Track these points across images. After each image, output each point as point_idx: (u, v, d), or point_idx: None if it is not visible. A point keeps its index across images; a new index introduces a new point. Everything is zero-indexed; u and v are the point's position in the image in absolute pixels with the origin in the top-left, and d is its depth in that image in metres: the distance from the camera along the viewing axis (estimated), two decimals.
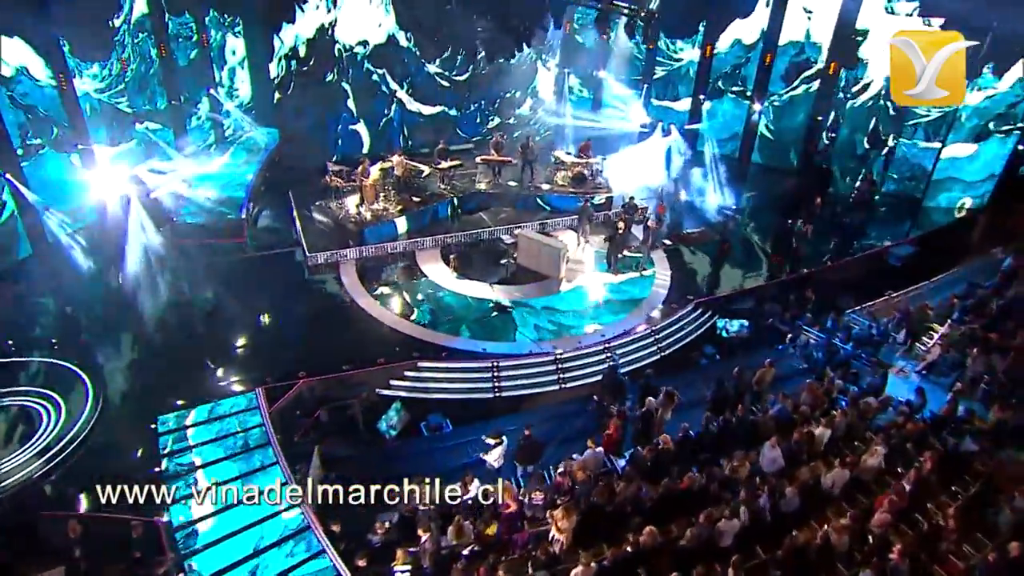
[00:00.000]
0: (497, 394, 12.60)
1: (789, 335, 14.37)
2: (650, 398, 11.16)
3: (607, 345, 13.45)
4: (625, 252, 16.31)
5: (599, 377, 12.56)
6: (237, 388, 11.58)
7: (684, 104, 23.57)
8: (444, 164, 17.87)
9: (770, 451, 9.87)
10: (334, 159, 18.67)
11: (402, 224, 16.82)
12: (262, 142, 20.37)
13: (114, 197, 16.13)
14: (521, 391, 12.73)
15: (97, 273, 15.07)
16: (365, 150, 20.41)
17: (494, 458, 10.46)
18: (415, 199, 17.62)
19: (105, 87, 16.77)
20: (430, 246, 16.70)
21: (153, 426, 10.29)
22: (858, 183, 20.20)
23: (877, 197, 20.16)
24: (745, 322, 14.76)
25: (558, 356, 13.05)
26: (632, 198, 17.27)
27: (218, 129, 20.22)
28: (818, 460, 9.77)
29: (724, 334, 14.65)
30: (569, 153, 19.24)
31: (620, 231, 15.58)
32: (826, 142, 20.98)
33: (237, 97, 20.18)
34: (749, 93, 21.74)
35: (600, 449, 10.55)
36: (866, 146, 20.26)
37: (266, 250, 16.57)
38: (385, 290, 14.99)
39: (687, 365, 13.93)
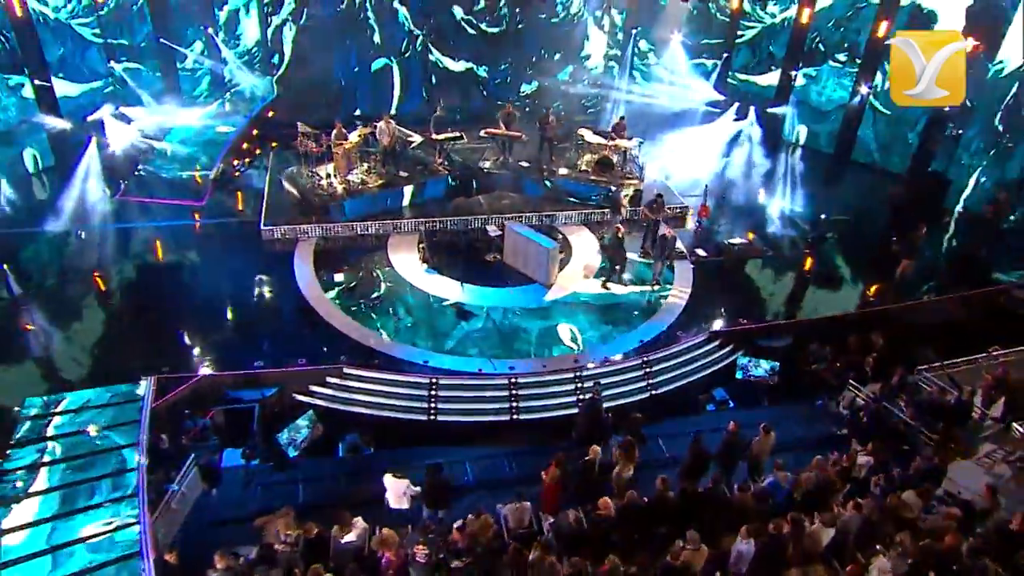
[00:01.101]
0: (432, 418, 12.12)
1: (833, 389, 13.01)
2: (595, 447, 10.36)
3: (577, 373, 12.66)
4: (636, 257, 15.36)
5: (569, 412, 12.03)
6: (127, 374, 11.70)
7: (770, 79, 21.96)
8: (440, 135, 17.44)
9: (741, 542, 8.85)
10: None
11: (384, 201, 16.81)
12: (257, 93, 20.78)
13: (71, 141, 16.92)
14: (463, 417, 12.18)
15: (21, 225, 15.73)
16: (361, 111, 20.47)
17: (393, 498, 10.03)
18: (402, 174, 17.37)
19: (73, 12, 17.45)
20: (408, 230, 16.37)
21: (18, 409, 10.57)
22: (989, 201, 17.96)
23: (1012, 218, 17.84)
24: (776, 365, 13.50)
25: (513, 381, 12.38)
26: (660, 195, 16.21)
27: (213, 76, 20.77)
28: (815, 566, 8.67)
29: (745, 376, 13.47)
30: (598, 132, 18.33)
31: (620, 235, 14.64)
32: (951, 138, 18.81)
33: (237, 41, 20.54)
34: (855, 69, 19.85)
35: (527, 503, 9.91)
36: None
37: (225, 217, 16.80)
38: (338, 278, 14.83)
39: (688, 410, 13.05)
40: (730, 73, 22.96)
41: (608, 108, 22.83)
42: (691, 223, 17.35)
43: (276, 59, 20.66)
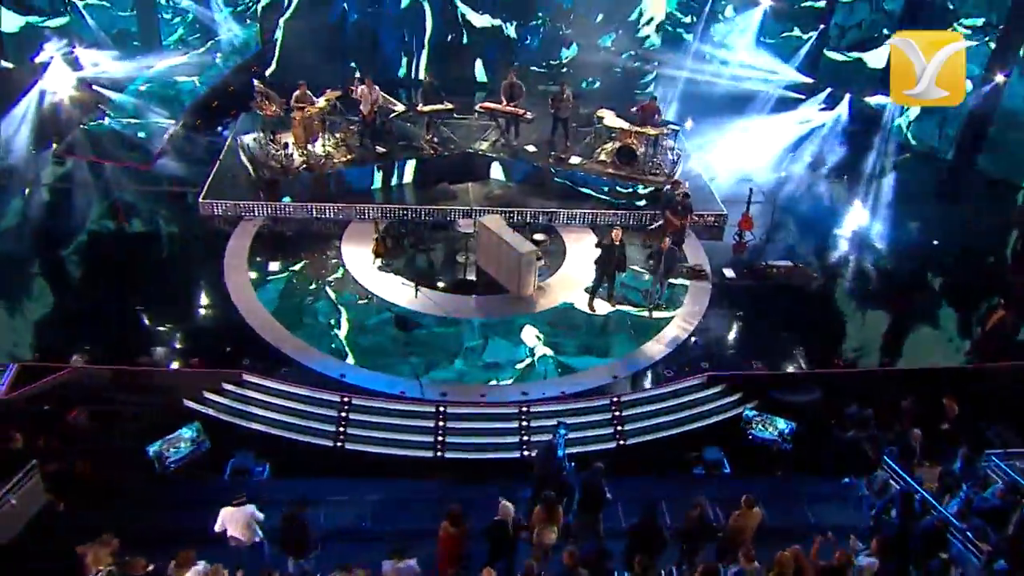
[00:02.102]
0: (339, 444, 11.56)
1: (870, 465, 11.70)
2: (505, 502, 9.57)
3: (523, 409, 11.83)
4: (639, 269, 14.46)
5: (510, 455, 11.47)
6: None
7: (878, 57, 20.24)
8: (426, 107, 16.92)
9: None
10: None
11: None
12: (237, 42, 20.88)
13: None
14: (377, 448, 11.58)
15: None
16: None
17: (238, 532, 9.52)
18: (380, 149, 16.95)
19: None
20: (373, 218, 15.93)
21: None
22: None
23: None
24: (793, 427, 12.34)
25: (442, 409, 11.67)
26: (687, 194, 15.14)
27: (193, 21, 21.00)
28: None
29: (751, 435, 12.38)
30: (623, 115, 17.35)
31: (617, 240, 13.63)
32: None
33: None
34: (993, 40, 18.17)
35: (412, 562, 9.23)
36: None
37: (172, 185, 16.84)
38: (273, 267, 14.52)
39: (668, 470, 12.18)
40: (826, 48, 21.36)
41: (662, 89, 21.69)
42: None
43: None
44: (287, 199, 15.89)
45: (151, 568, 8.63)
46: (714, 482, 11.89)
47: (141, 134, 18.51)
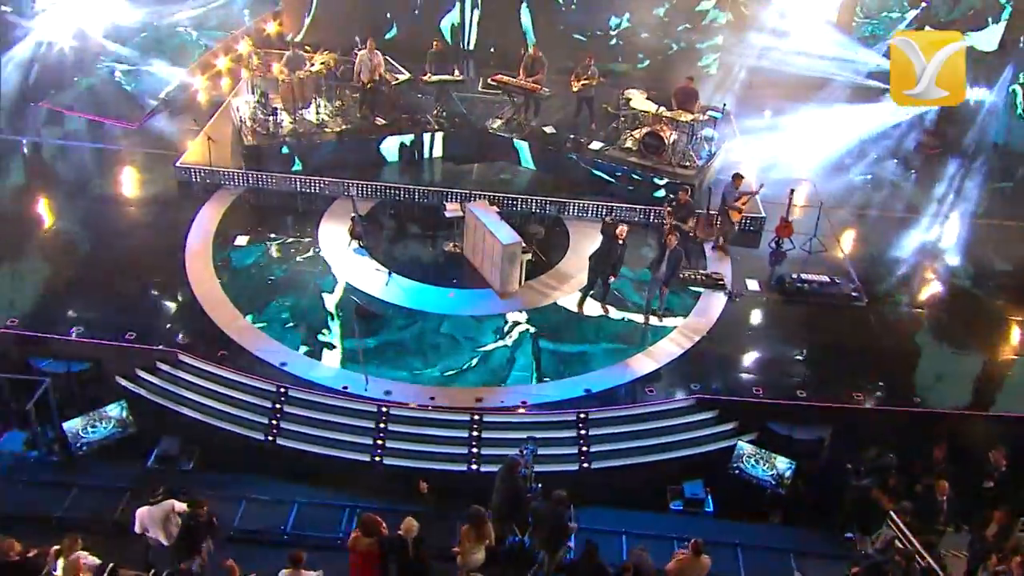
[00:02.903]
0: (271, 439, 11.80)
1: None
2: (410, 519, 9.58)
3: (475, 417, 11.84)
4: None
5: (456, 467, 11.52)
6: None
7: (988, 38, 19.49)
8: (433, 77, 17.06)
9: None
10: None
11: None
12: None
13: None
14: (310, 446, 11.78)
15: None
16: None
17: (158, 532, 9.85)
18: (379, 121, 17.20)
19: None
20: (364, 195, 16.26)
21: None
22: None
23: None
24: (793, 468, 11.94)
25: (385, 409, 11.79)
26: (686, 190, 14.85)
27: None
28: None
29: (740, 471, 12.05)
30: (653, 97, 17.10)
31: (620, 238, 13.43)
32: None
33: None
34: None
35: (312, 574, 9.39)
36: None
37: (155, 148, 17.49)
38: (240, 242, 14.93)
39: (642, 504, 11.86)
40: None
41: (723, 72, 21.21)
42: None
43: None
44: (298, 166, 16.43)
45: (30, 554, 8.99)
46: (692, 521, 11.57)
47: (134, 88, 19.26)
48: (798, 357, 13.71)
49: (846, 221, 16.98)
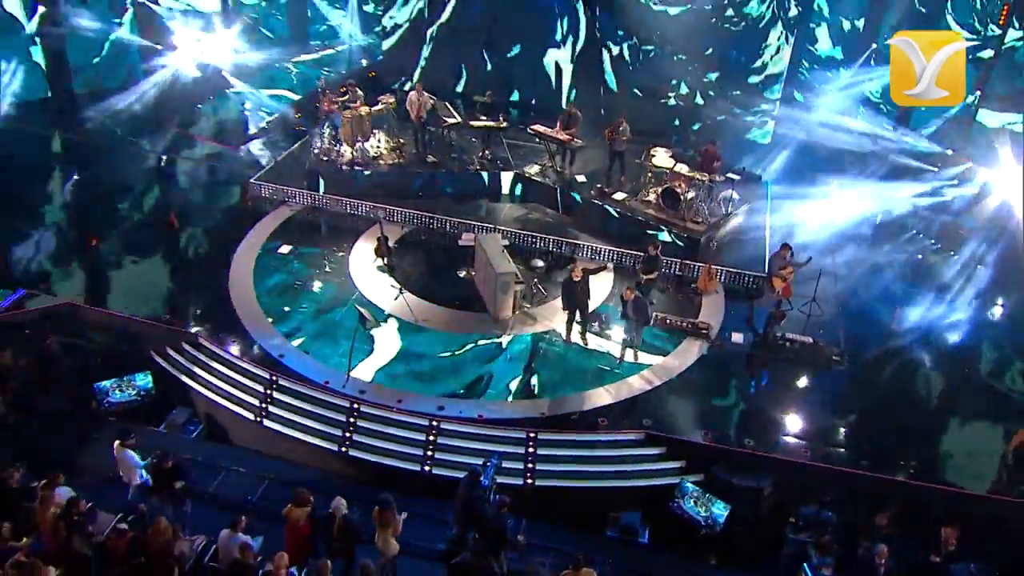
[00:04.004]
0: (259, 420, 12.31)
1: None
2: (339, 498, 9.78)
3: (433, 423, 11.91)
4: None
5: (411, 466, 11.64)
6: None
7: None
8: (478, 123, 17.44)
9: None
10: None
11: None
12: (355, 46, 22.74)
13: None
14: (289, 430, 12.22)
15: None
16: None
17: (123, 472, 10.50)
18: (430, 158, 17.69)
19: None
20: (378, 217, 16.56)
21: None
22: None
23: None
24: (726, 512, 11.41)
25: (356, 405, 12.07)
26: (656, 245, 14.55)
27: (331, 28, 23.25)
28: None
29: (679, 510, 11.55)
30: (677, 156, 16.82)
31: (574, 279, 13.34)
32: None
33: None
34: None
35: (247, 537, 9.65)
36: None
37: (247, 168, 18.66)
38: (284, 250, 15.65)
39: (581, 526, 11.58)
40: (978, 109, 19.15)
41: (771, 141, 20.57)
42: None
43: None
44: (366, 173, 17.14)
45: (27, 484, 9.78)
46: (624, 550, 11.24)
47: (242, 117, 20.60)
48: (759, 408, 13.07)
49: (851, 289, 15.96)
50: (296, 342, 13.48)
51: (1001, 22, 17.99)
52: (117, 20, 21.19)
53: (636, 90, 20.69)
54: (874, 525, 11.22)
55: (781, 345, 14.17)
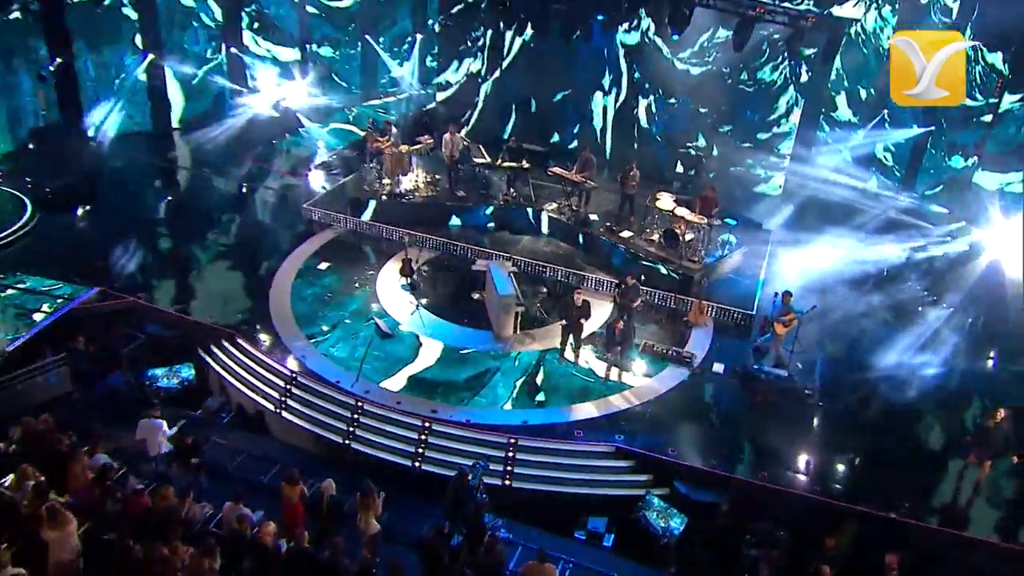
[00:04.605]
0: (279, 411, 12.80)
1: None
2: (328, 480, 10.32)
3: (426, 424, 12.17)
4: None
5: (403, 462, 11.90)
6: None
7: None
8: (505, 163, 17.85)
9: None
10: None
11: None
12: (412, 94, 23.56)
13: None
14: (303, 422, 12.66)
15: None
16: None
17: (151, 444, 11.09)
18: (460, 193, 18.17)
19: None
20: (407, 242, 17.11)
21: None
22: None
23: None
24: (681, 525, 11.38)
25: (360, 404, 12.45)
26: (629, 281, 14.45)
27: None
28: None
29: (643, 520, 11.49)
30: (680, 200, 16.86)
31: (575, 304, 13.46)
32: None
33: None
34: None
35: (247, 511, 10.02)
36: None
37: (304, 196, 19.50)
38: (323, 266, 16.28)
39: (551, 526, 11.48)
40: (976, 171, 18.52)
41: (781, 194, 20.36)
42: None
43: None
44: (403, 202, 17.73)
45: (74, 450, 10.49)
46: (587, 551, 11.15)
47: (309, 152, 21.58)
48: (726, 432, 12.95)
49: (834, 330, 15.54)
50: (318, 345, 13.92)
51: (995, 95, 17.53)
52: (211, 64, 22.47)
53: (658, 137, 20.79)
54: (822, 547, 10.94)
55: (757, 377, 13.98)
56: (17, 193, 18.00)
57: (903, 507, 11.40)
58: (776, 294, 14.84)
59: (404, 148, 17.73)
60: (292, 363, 13.33)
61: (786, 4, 15.98)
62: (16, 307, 13.84)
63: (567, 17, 19.95)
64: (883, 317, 16.04)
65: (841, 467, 12.47)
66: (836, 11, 16.13)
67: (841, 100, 20.96)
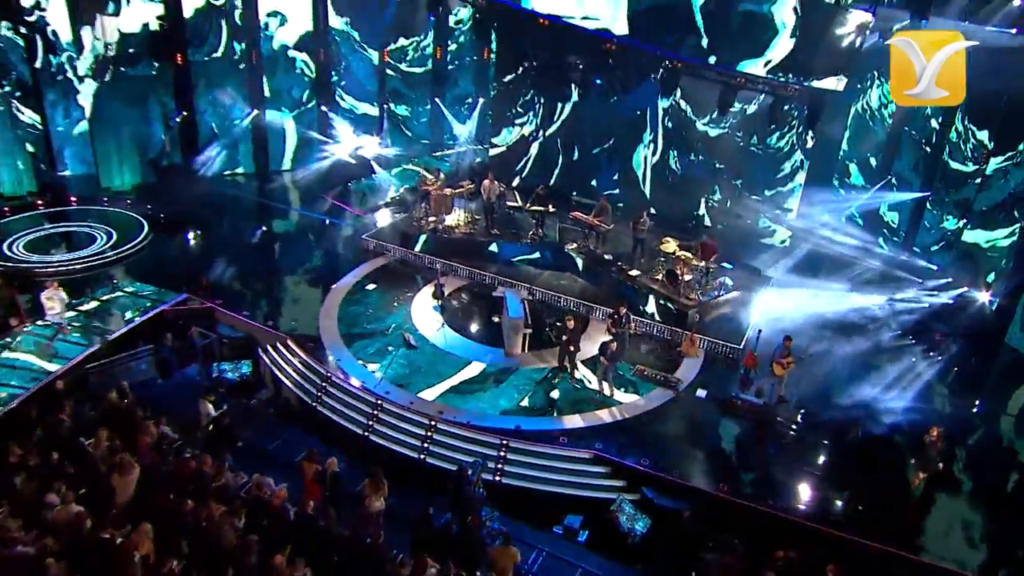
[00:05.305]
0: (315, 404, 13.59)
1: None
2: (332, 459, 10.90)
3: (432, 423, 12.72)
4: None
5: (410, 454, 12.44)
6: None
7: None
8: (532, 206, 18.46)
9: None
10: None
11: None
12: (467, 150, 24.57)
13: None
14: (333, 415, 13.38)
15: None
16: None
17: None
18: (494, 231, 18.86)
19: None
20: (462, 275, 17.88)
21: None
22: None
23: None
24: (644, 527, 11.55)
25: (379, 403, 13.10)
26: (621, 311, 14.54)
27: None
28: None
29: (616, 521, 11.71)
30: (684, 245, 17.05)
31: (569, 327, 13.82)
32: None
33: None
34: None
35: (271, 480, 10.71)
36: None
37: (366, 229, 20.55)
38: (370, 287, 17.20)
39: (531, 520, 11.76)
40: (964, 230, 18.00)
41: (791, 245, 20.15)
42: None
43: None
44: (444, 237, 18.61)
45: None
46: (562, 544, 11.41)
47: (376, 193, 22.83)
48: (698, 449, 12.94)
49: (821, 366, 15.17)
50: (354, 352, 14.73)
51: (982, 162, 17.12)
52: (302, 110, 24.04)
53: (676, 189, 20.97)
54: (772, 556, 10.81)
55: (735, 403, 13.93)
56: (139, 217, 19.73)
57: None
58: (759, 330, 14.86)
59: (448, 191, 18.59)
60: (329, 365, 14.07)
61: (768, 76, 16.08)
62: (121, 306, 15.27)
63: (609, 84, 20.49)
64: (863, 358, 15.66)
65: (799, 485, 12.25)
66: (816, 84, 16.03)
67: (853, 167, 20.82)
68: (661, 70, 19.02)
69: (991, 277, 17.12)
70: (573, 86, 20.76)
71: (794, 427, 13.44)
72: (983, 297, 16.85)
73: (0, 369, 12.82)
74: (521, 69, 21.83)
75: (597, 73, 20.16)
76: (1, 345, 13.42)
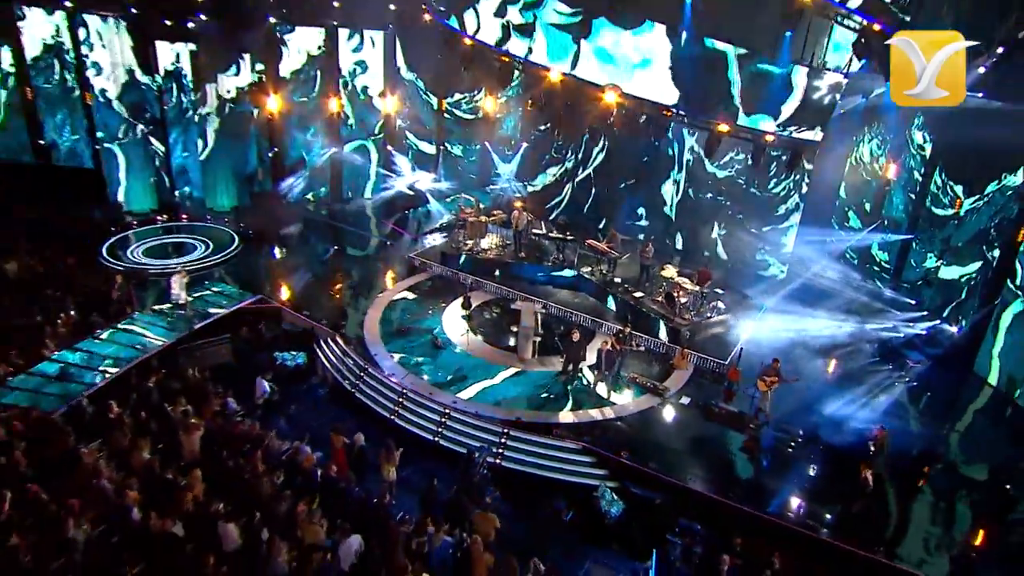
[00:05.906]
0: (352, 390, 14.55)
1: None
2: (359, 434, 11.79)
3: (446, 410, 13.44)
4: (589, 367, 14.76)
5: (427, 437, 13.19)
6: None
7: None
8: (554, 233, 19.14)
9: None
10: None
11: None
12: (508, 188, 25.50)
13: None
14: (367, 400, 14.26)
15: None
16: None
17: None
18: (521, 255, 19.62)
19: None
20: (490, 290, 18.62)
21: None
22: None
23: None
24: (619, 512, 11.92)
25: (404, 391, 13.95)
26: (626, 329, 15.00)
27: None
28: None
29: (597, 505, 12.13)
30: (682, 272, 17.38)
31: (573, 340, 14.35)
32: None
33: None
34: None
35: (308, 448, 11.72)
36: None
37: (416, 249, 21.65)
38: (410, 296, 18.16)
39: (530, 504, 12.26)
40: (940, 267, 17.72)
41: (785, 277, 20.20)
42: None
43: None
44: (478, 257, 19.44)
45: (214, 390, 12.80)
46: (549, 522, 11.85)
47: (429, 220, 24.01)
48: (673, 446, 13.22)
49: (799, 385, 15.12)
50: (388, 349, 15.68)
51: (955, 210, 16.89)
52: (371, 143, 25.50)
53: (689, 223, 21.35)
54: (731, 541, 11.02)
55: (714, 410, 14.12)
56: (232, 232, 21.41)
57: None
58: (741, 348, 15.03)
59: (483, 219, 19.51)
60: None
61: (749, 125, 16.39)
62: (208, 301, 16.71)
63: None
64: (837, 377, 15.60)
65: (763, 481, 12.42)
66: (796, 133, 16.23)
67: (852, 213, 20.72)
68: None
69: (948, 310, 16.78)
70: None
71: (767, 436, 13.51)
72: (952, 328, 16.47)
73: (114, 345, 14.29)
74: (549, 123, 22.90)
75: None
76: (119, 327, 14.96)
